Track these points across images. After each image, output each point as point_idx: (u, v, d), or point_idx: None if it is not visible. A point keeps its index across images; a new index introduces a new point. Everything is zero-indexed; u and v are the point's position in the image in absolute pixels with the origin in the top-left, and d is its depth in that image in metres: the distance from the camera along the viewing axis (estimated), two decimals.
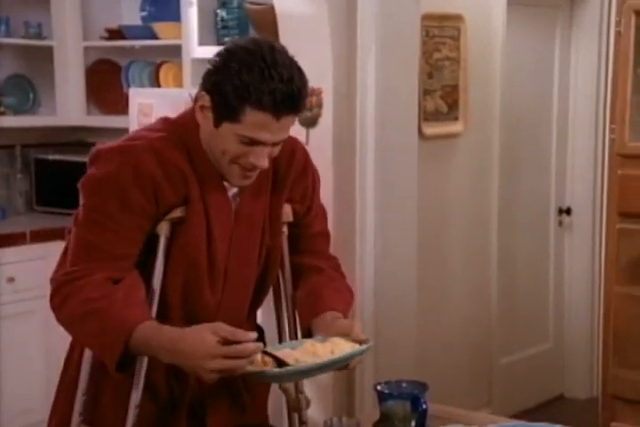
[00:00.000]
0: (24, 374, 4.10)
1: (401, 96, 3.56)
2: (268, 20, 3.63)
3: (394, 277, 3.59)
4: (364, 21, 3.37)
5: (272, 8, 3.53)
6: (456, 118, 4.08)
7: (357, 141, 3.44)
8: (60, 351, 4.02)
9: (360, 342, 2.04)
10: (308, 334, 2.19)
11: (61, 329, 4.07)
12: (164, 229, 2.07)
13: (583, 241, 4.88)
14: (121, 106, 4.36)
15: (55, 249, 4.02)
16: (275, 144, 2.03)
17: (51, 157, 4.62)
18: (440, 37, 3.95)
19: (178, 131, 2.07)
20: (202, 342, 1.87)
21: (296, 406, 2.37)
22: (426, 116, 3.93)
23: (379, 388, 2.06)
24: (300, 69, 2.01)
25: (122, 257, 2.02)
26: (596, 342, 4.69)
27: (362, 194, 3.46)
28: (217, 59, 2.00)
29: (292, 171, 2.19)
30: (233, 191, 2.13)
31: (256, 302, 2.28)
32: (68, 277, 2.00)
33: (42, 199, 4.66)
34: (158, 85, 4.32)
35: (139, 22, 4.49)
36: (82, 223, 2.02)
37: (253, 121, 1.95)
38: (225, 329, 1.90)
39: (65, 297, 1.98)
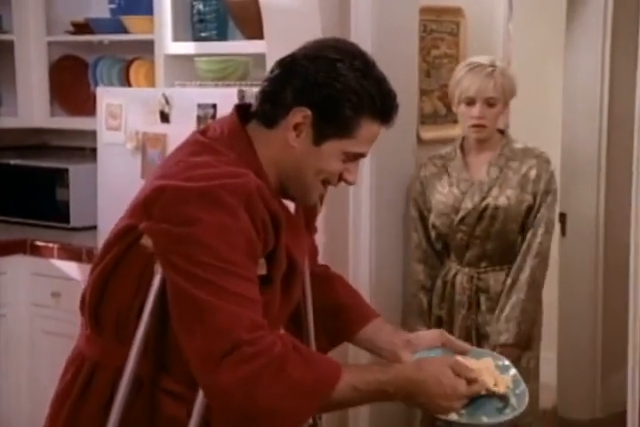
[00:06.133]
0: None
1: (398, 97, 3.30)
2: (251, 13, 3.54)
3: (389, 287, 3.50)
4: (358, 16, 3.26)
5: (255, 0, 3.39)
6: (455, 121, 3.85)
7: None
8: (24, 368, 3.94)
9: (463, 353, 1.96)
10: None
11: (26, 348, 3.85)
12: None
13: (585, 251, 4.68)
14: (88, 106, 4.26)
15: (15, 263, 4.02)
16: None
17: (12, 161, 4.49)
18: (438, 33, 3.81)
19: (244, 157, 1.83)
20: (450, 385, 1.79)
21: None
22: (423, 118, 3.77)
23: None
24: None
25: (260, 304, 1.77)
26: (600, 353, 4.58)
27: (356, 202, 3.36)
28: (307, 68, 1.81)
29: None
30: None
31: None
32: (246, 348, 1.66)
33: (1, 208, 4.50)
34: (129, 84, 4.21)
35: (107, 15, 4.36)
36: (214, 275, 1.68)
37: (367, 134, 1.84)
38: (461, 365, 1.83)
39: (258, 372, 1.65)
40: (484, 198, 3.23)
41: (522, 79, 4.21)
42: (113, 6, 4.30)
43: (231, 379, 1.64)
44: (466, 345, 1.98)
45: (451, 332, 3.02)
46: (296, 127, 1.81)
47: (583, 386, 4.69)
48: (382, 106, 1.84)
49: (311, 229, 2.09)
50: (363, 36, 3.21)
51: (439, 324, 3.30)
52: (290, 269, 1.88)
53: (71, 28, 4.40)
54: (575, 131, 4.65)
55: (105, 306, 1.89)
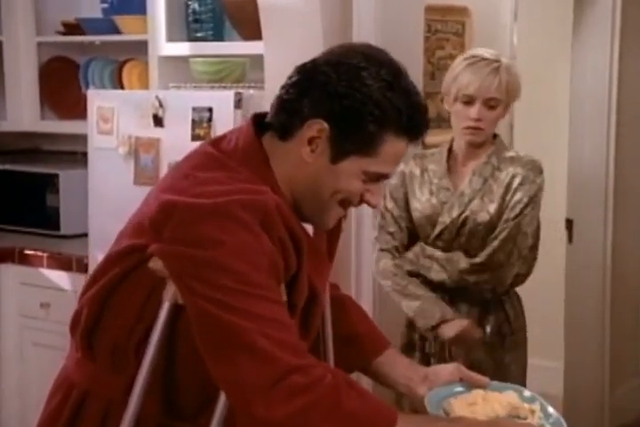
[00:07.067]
0: None
1: None
2: (248, 13, 3.45)
3: (393, 307, 3.30)
4: (360, 16, 3.17)
5: None
6: None
7: None
8: (12, 381, 3.92)
9: (482, 387, 1.86)
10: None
11: (14, 360, 3.82)
12: None
13: (592, 258, 4.57)
14: (79, 109, 4.16)
15: (3, 273, 3.96)
16: None
17: (1, 166, 4.43)
18: (443, 33, 3.76)
19: (259, 174, 1.67)
20: None
21: None
22: None
23: None
24: None
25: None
26: (608, 363, 4.50)
27: (358, 211, 3.24)
28: (328, 76, 1.65)
29: None
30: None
31: None
32: (296, 377, 1.53)
33: None
34: (121, 87, 4.17)
35: (99, 15, 4.35)
36: (239, 300, 1.56)
37: (391, 152, 1.68)
38: None
39: (313, 402, 1.53)
40: (462, 212, 2.84)
41: (528, 80, 4.12)
42: (105, 6, 4.28)
43: (286, 411, 1.50)
44: (485, 379, 1.84)
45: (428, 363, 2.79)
46: (311, 141, 1.66)
47: (591, 397, 4.58)
48: (409, 121, 1.66)
49: (333, 254, 1.92)
50: (365, 37, 3.10)
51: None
52: (310, 300, 1.73)
53: (62, 29, 4.38)
54: (583, 133, 4.57)
55: (102, 331, 1.75)
